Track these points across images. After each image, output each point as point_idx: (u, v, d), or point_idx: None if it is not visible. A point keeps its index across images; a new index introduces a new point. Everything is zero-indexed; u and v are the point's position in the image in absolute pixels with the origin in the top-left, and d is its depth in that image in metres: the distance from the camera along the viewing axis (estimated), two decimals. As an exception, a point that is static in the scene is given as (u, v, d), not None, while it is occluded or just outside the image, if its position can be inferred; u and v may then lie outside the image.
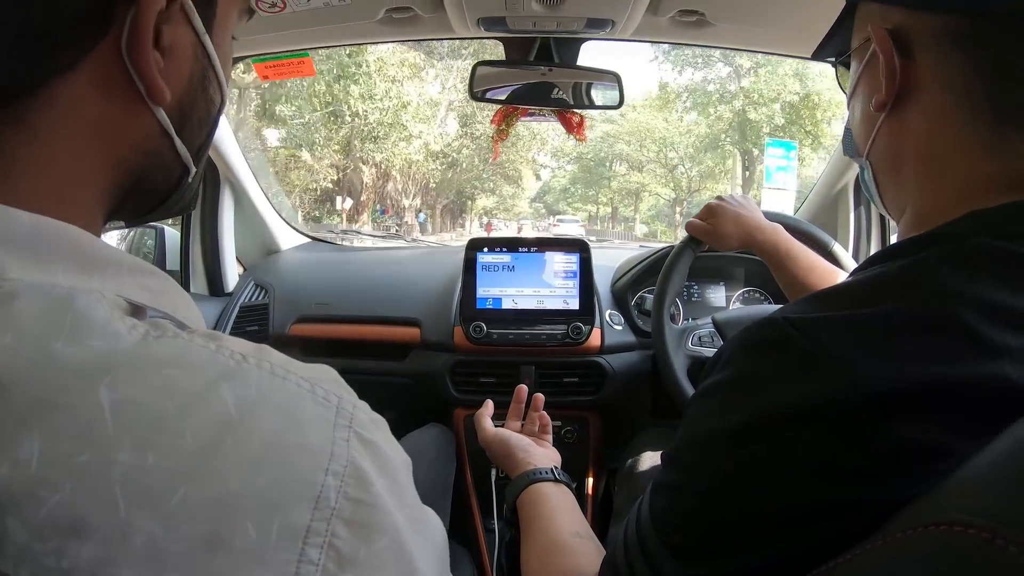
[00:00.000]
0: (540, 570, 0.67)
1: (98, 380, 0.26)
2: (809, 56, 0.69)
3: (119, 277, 0.34)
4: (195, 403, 0.28)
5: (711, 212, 1.15)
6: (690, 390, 1.13)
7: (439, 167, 24.55)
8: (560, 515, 0.73)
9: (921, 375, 0.38)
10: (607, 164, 32.23)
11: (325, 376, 0.34)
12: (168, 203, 0.45)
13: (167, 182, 0.43)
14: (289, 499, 0.28)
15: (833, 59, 0.65)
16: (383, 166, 20.91)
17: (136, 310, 0.34)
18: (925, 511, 0.34)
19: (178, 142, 0.40)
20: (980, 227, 0.44)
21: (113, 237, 1.77)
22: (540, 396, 1.02)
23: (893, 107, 0.51)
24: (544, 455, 0.90)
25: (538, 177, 30.35)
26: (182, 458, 0.26)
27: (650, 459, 1.22)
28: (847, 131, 0.62)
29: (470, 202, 30.36)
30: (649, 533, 0.47)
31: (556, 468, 0.84)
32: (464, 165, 25.44)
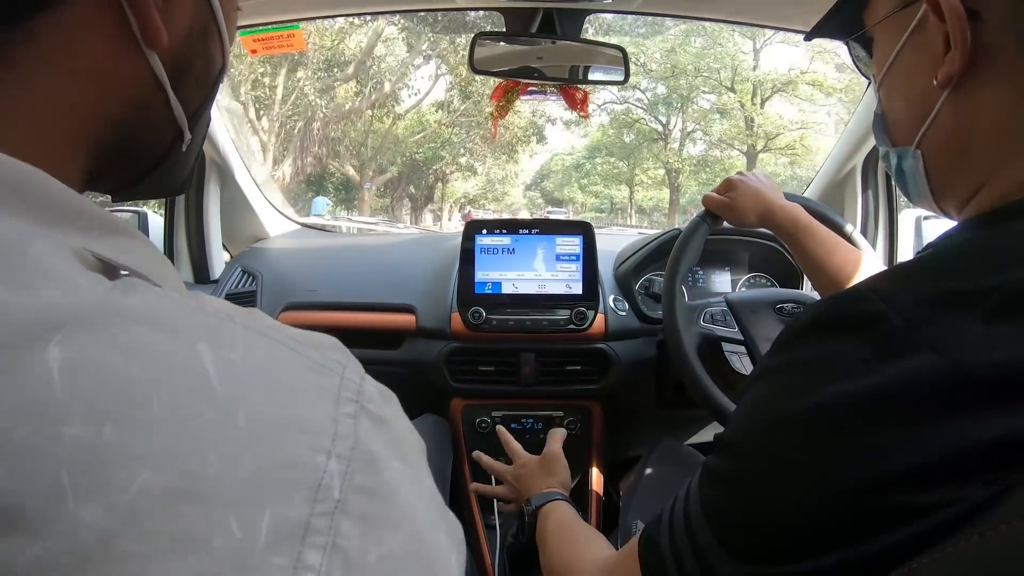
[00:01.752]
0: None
1: (48, 337, 0.21)
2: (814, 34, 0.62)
3: (89, 232, 0.28)
4: (166, 366, 0.23)
5: (731, 186, 1.11)
6: (700, 368, 1.07)
7: (334, 99, 14.60)
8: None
9: None
10: (671, 104, 20.57)
11: (327, 342, 0.29)
12: (157, 174, 0.41)
13: (156, 146, 0.39)
14: (282, 489, 0.22)
15: (844, 37, 0.58)
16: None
17: (108, 269, 0.28)
18: None
19: (172, 97, 0.37)
20: None
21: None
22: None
23: (958, 81, 0.45)
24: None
25: (541, 139, 20.40)
26: (147, 434, 0.21)
27: (663, 477, 1.19)
28: (879, 118, 0.55)
29: (440, 185, 22.71)
30: (700, 525, 0.42)
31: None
32: (407, 108, 17.01)
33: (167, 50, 0.35)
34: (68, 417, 0.20)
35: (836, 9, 0.55)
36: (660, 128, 22.44)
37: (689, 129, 22.31)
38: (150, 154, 0.39)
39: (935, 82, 0.46)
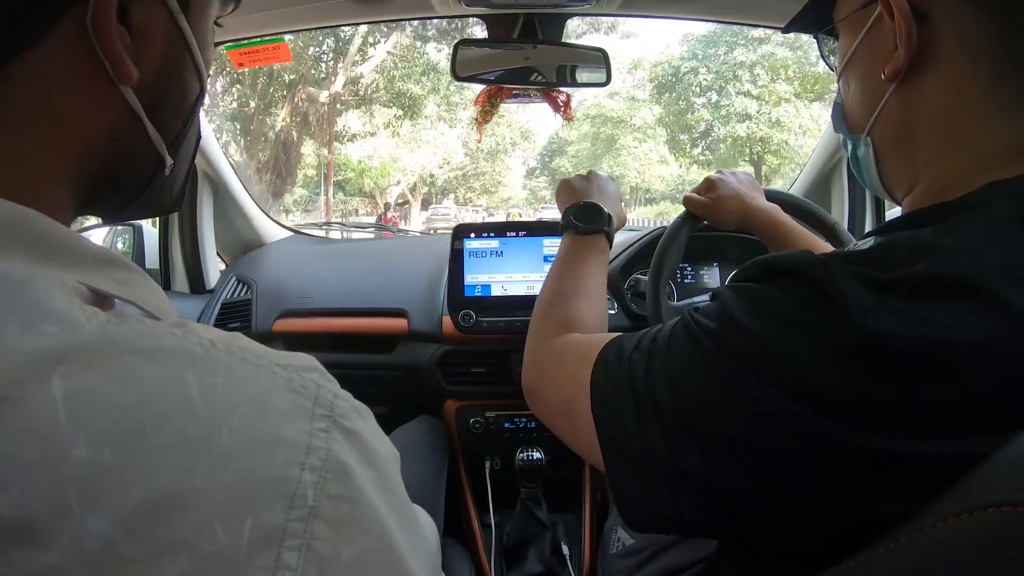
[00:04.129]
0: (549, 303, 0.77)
1: (51, 370, 0.24)
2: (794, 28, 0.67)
3: (84, 266, 0.32)
4: (157, 393, 0.26)
5: (711, 186, 1.11)
6: None
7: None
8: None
9: (933, 336, 0.38)
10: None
11: (303, 363, 0.31)
12: (145, 197, 0.43)
13: (140, 173, 0.41)
14: (262, 498, 0.25)
15: (815, 31, 0.62)
16: None
17: (101, 300, 0.31)
18: (978, 492, 0.32)
19: (149, 127, 0.39)
20: (1000, 197, 0.43)
21: (93, 236, 1.72)
22: None
23: (906, 75, 0.49)
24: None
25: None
26: (141, 454, 0.24)
27: None
28: (838, 106, 0.60)
29: (328, 149, 12.79)
30: (660, 352, 0.48)
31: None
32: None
33: (141, 83, 0.37)
34: (73, 441, 0.23)
35: (808, 6, 0.59)
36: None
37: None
38: (134, 181, 0.41)
39: (883, 75, 0.50)
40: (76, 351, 0.25)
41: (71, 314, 0.27)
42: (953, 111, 0.47)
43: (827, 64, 0.62)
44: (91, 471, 0.23)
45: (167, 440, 0.24)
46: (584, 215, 0.88)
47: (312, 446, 0.27)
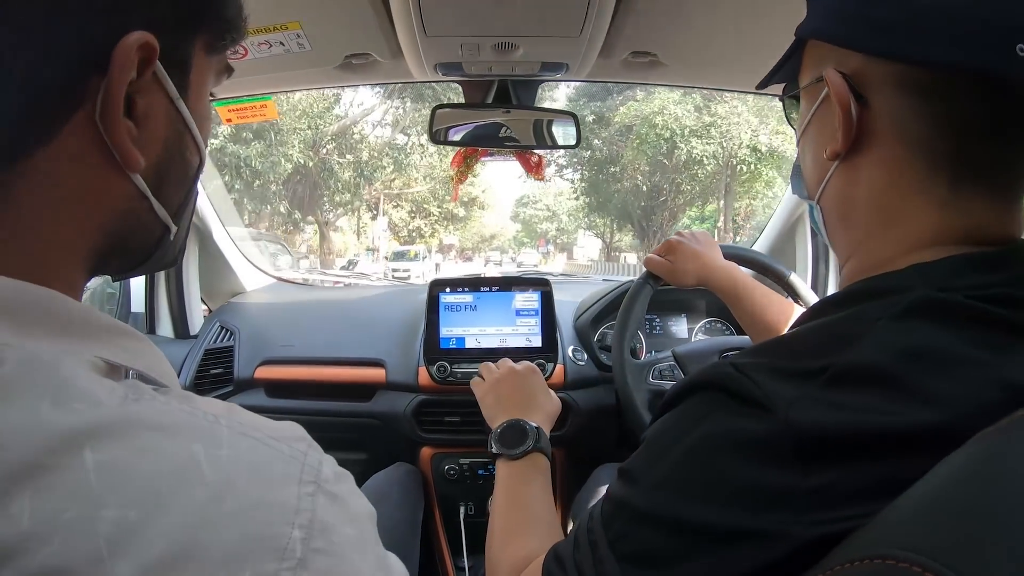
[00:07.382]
0: (501, 543, 0.74)
1: (83, 443, 0.28)
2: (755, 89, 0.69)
3: (98, 338, 0.36)
4: (172, 464, 0.30)
5: (670, 249, 1.15)
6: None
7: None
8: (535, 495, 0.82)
9: (855, 424, 0.40)
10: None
11: (292, 434, 0.36)
12: (152, 260, 0.46)
13: (148, 241, 0.44)
14: (258, 552, 0.30)
15: (780, 92, 0.64)
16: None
17: (113, 369, 0.36)
18: (863, 545, 0.35)
19: (156, 204, 0.42)
20: (922, 280, 0.45)
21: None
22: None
23: (847, 154, 0.50)
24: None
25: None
26: (161, 514, 0.28)
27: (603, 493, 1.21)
28: (797, 168, 0.61)
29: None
30: (600, 537, 0.48)
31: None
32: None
33: (147, 167, 0.39)
34: (104, 503, 0.27)
35: (777, 68, 0.61)
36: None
37: None
38: (143, 249, 0.44)
39: (825, 154, 0.52)
40: (103, 427, 0.29)
41: (94, 392, 0.31)
42: (888, 195, 0.49)
43: (789, 123, 0.64)
44: (119, 528, 0.27)
45: (181, 503, 0.29)
46: (509, 439, 0.90)
47: (300, 508, 0.32)
